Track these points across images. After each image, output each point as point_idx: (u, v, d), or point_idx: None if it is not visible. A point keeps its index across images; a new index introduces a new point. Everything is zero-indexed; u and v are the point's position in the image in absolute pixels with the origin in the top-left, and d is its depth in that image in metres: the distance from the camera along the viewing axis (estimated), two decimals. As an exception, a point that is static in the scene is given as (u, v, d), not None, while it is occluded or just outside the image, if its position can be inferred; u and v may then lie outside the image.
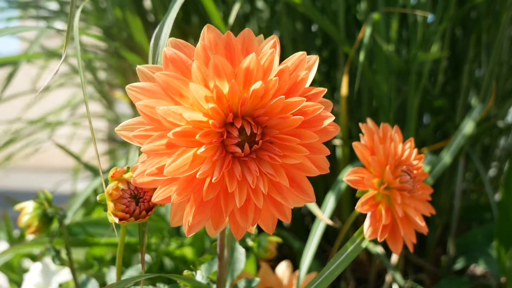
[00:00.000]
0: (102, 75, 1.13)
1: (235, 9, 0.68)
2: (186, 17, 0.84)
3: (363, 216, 0.41)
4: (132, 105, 0.94)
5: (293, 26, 0.81)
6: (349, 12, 0.81)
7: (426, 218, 0.43)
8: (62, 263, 0.50)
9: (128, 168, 0.36)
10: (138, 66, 0.33)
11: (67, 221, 0.67)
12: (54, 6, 0.96)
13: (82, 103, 1.17)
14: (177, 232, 0.67)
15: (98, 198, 0.37)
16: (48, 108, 1.12)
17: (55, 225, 0.49)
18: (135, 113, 0.86)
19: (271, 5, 0.85)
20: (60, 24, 0.90)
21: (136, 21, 0.73)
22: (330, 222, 0.54)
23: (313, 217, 0.76)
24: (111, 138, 1.28)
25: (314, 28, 0.85)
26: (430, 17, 0.75)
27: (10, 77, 0.74)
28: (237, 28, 0.78)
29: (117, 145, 1.25)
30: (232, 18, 0.67)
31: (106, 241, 0.63)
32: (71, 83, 1.17)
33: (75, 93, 1.19)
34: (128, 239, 0.63)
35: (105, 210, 0.36)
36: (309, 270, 0.57)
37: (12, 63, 0.75)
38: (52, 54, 0.93)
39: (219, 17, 0.67)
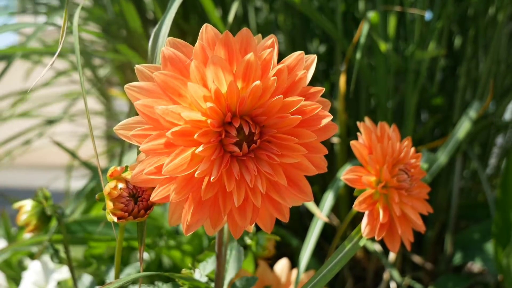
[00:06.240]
0: (100, 72, 1.13)
1: (234, 8, 0.68)
2: (184, 16, 0.83)
3: (361, 214, 0.42)
4: (130, 102, 0.94)
5: (292, 24, 0.81)
6: (347, 10, 0.81)
7: (423, 216, 0.43)
8: (61, 261, 0.50)
9: (127, 167, 0.36)
10: (137, 66, 0.33)
11: (65, 219, 0.67)
12: (54, 1, 0.95)
13: (79, 100, 1.17)
14: (175, 230, 0.67)
15: (96, 197, 0.37)
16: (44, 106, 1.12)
17: (53, 223, 0.49)
18: (133, 110, 0.86)
19: (269, 3, 0.85)
20: (60, 20, 0.90)
21: (134, 18, 0.73)
22: (328, 221, 0.54)
23: (311, 215, 0.77)
24: (109, 135, 1.28)
25: (312, 25, 0.85)
26: (427, 15, 0.75)
27: (4, 71, 0.73)
28: (235, 26, 0.78)
29: (114, 142, 1.25)
30: (231, 17, 0.67)
31: (104, 239, 0.63)
32: (69, 80, 1.17)
33: (72, 90, 1.19)
34: (127, 237, 0.63)
35: (104, 208, 0.36)
36: (307, 268, 0.57)
37: (8, 56, 0.74)
38: (48, 49, 0.93)
39: (217, 15, 0.67)
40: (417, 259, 0.80)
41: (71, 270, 0.51)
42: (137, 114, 0.32)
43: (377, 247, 0.70)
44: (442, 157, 0.63)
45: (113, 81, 1.18)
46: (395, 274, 0.66)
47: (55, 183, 1.15)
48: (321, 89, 0.34)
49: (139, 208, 0.35)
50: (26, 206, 0.47)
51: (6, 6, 0.95)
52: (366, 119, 0.43)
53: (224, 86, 0.31)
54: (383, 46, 0.69)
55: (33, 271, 0.61)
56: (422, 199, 0.44)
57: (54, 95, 1.14)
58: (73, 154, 0.91)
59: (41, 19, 1.09)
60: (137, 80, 0.33)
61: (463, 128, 0.65)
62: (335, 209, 0.78)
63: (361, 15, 0.78)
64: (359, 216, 0.43)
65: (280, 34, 0.84)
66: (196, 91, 0.31)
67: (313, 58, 0.35)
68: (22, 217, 0.47)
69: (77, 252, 0.68)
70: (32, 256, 0.72)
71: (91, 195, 0.76)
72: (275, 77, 0.31)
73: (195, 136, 0.30)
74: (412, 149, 0.44)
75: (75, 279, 0.52)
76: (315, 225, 0.56)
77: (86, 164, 0.91)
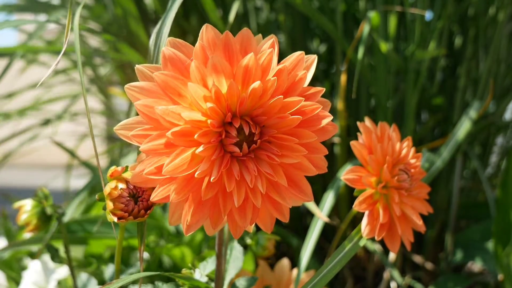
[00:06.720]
0: (101, 71, 1.13)
1: (234, 8, 0.68)
2: (185, 15, 0.83)
3: (361, 214, 0.42)
4: (130, 102, 0.94)
5: (292, 24, 0.81)
6: (347, 10, 0.81)
7: (423, 216, 0.43)
8: (61, 261, 0.50)
9: (127, 167, 0.36)
10: (137, 66, 0.33)
11: (65, 219, 0.67)
12: (55, 0, 0.95)
13: (79, 99, 1.17)
14: (175, 230, 0.67)
15: (97, 196, 0.37)
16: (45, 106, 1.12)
17: (53, 222, 0.49)
18: (133, 110, 0.86)
19: (270, 3, 0.85)
20: (62, 19, 0.90)
21: (136, 17, 0.73)
22: (328, 220, 0.54)
23: (311, 215, 0.77)
24: (109, 134, 1.28)
25: (312, 25, 0.85)
26: (428, 15, 0.75)
27: (5, 69, 0.72)
28: (236, 26, 0.78)
29: (114, 141, 1.25)
30: (231, 17, 0.67)
31: (104, 238, 0.63)
32: (69, 79, 1.17)
33: (73, 89, 1.19)
34: (127, 237, 0.63)
35: (104, 208, 0.36)
36: (308, 268, 0.57)
37: (9, 54, 0.74)
38: (49, 49, 0.92)
39: (218, 15, 0.67)
40: (417, 259, 0.80)
41: (71, 269, 0.51)
42: (137, 114, 0.32)
43: (377, 247, 0.70)
44: (442, 157, 0.63)
45: (113, 80, 1.18)
46: (395, 274, 0.66)
47: (55, 182, 1.15)
48: (321, 89, 0.34)
49: (139, 208, 0.35)
50: (26, 206, 0.47)
51: (8, 4, 0.95)
52: (366, 119, 0.43)
53: (224, 87, 0.31)
54: (384, 46, 0.69)
55: (33, 270, 0.61)
56: (422, 199, 0.44)
57: (54, 94, 1.14)
58: (72, 154, 0.91)
59: (41, 17, 1.09)
60: (137, 80, 0.33)
61: (463, 128, 0.65)
62: (335, 209, 0.78)
63: (361, 15, 0.78)
64: (359, 216, 0.43)
65: (280, 34, 0.84)
66: (196, 91, 0.31)
67: (314, 58, 0.35)
68: (22, 217, 0.47)
69: (77, 252, 0.68)
70: (32, 256, 0.72)
71: (91, 194, 0.76)
72: (275, 77, 0.31)
73: (195, 136, 0.30)
74: (412, 149, 0.44)
75: (75, 278, 0.52)
76: (315, 225, 0.56)
77: (86, 164, 0.91)
